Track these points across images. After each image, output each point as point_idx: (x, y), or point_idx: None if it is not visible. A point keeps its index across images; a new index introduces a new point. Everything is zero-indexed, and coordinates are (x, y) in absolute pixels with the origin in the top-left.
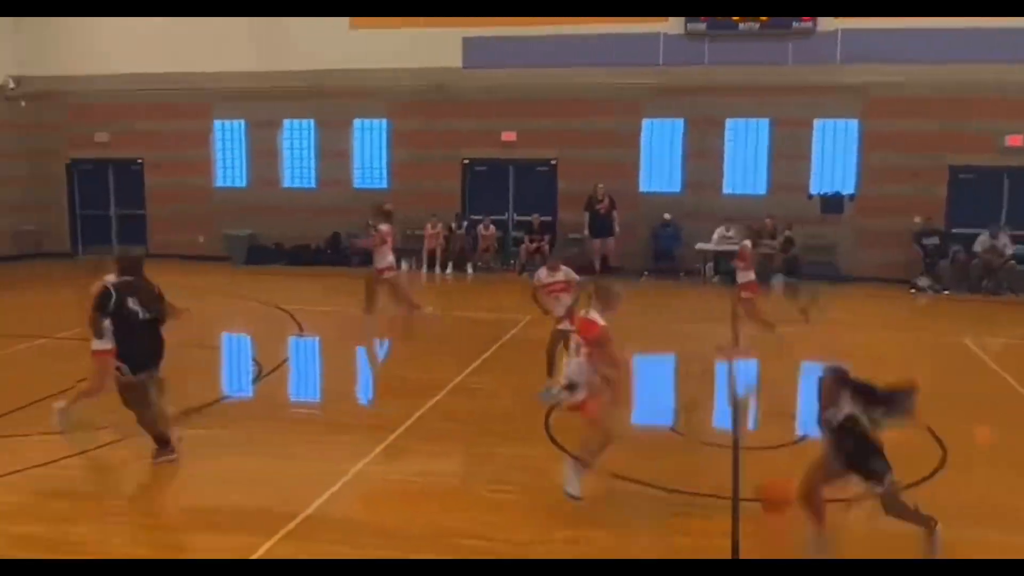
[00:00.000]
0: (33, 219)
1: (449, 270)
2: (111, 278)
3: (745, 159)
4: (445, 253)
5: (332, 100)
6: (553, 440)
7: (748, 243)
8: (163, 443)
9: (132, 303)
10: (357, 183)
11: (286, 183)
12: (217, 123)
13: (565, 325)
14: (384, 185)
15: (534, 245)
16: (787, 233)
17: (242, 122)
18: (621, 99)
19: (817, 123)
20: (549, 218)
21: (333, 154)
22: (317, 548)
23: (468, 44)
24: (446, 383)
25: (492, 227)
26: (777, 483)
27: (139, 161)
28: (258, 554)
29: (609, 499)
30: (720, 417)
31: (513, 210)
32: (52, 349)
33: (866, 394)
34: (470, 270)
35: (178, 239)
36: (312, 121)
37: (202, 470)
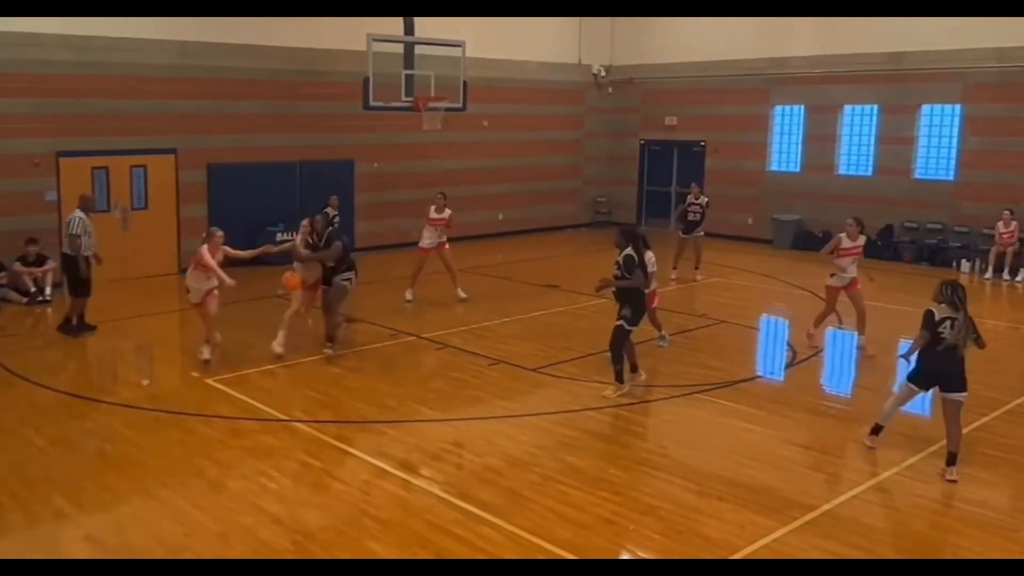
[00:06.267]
0: (608, 191)
1: (1020, 277)
2: None
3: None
4: (1017, 257)
5: (900, 84)
6: None
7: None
8: None
9: None
10: (918, 173)
11: (841, 170)
12: (777, 108)
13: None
14: (950, 177)
15: None
16: None
17: (801, 107)
18: None
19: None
20: None
21: (894, 141)
22: (833, 547)
23: None
24: (1001, 404)
25: None
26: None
27: (701, 144)
28: (770, 539)
29: None
30: None
31: None
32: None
33: None
34: None
35: (728, 219)
36: (875, 107)
37: (727, 441)
